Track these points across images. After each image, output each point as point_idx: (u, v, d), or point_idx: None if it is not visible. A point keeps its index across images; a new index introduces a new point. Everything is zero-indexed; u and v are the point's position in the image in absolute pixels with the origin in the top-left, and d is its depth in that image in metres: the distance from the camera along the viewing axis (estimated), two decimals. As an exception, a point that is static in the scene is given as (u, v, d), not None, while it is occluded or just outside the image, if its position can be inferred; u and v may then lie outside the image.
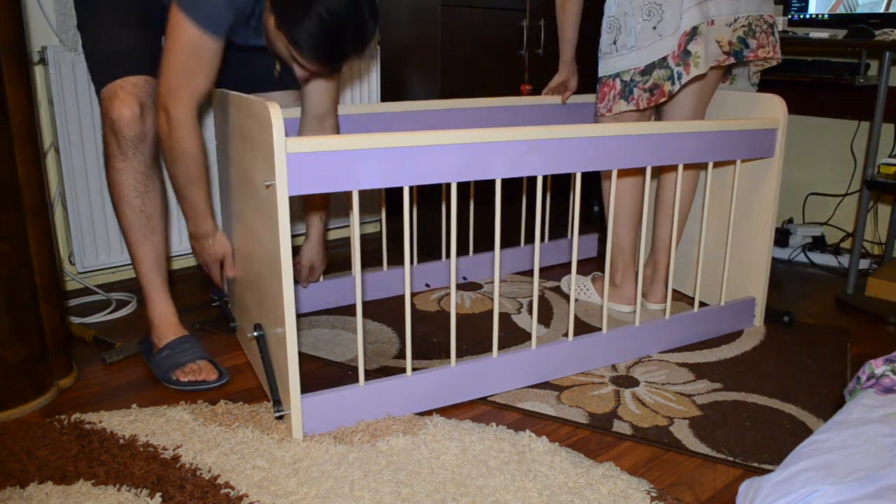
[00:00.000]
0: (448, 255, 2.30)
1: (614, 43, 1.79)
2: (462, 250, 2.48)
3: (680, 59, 1.72)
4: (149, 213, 1.63)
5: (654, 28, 1.72)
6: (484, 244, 2.59)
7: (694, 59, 1.72)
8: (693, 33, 1.70)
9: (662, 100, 1.76)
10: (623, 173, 1.93)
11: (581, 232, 2.64)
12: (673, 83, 1.74)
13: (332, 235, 2.76)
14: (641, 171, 1.95)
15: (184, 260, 2.38)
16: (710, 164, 1.77)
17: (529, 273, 2.39)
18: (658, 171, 2.07)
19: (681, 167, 1.72)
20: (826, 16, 2.39)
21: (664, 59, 1.73)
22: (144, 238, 1.64)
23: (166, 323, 1.69)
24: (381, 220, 2.80)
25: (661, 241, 2.03)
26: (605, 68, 1.83)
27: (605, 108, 1.85)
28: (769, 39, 1.82)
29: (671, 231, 1.95)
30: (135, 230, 1.63)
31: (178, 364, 1.63)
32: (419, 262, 2.26)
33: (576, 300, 2.16)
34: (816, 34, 2.25)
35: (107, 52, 1.58)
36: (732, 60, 1.78)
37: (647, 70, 1.75)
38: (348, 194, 2.58)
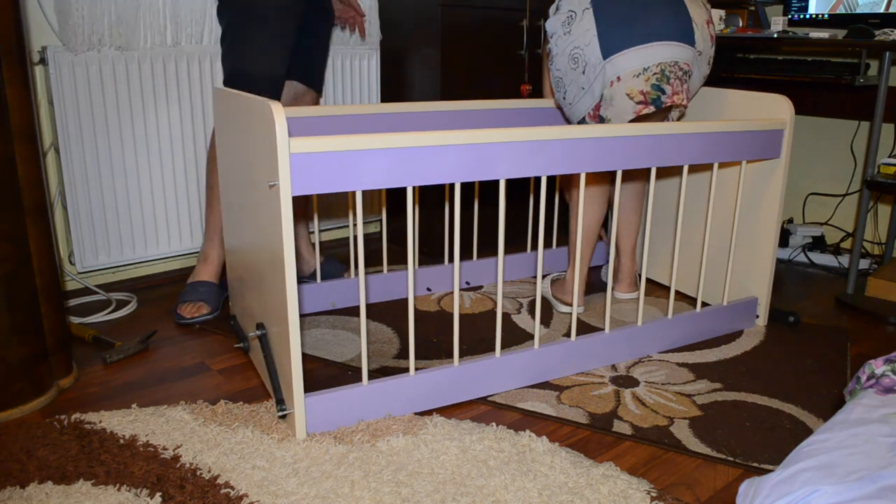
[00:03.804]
0: (451, 259, 2.29)
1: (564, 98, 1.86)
2: (466, 254, 2.47)
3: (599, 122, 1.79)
4: None
5: (582, 88, 1.80)
6: (489, 248, 2.58)
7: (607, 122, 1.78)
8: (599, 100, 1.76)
9: None
10: (590, 183, 1.93)
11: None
12: None
13: (334, 235, 2.76)
14: (607, 181, 1.94)
15: (190, 259, 2.38)
16: (716, 165, 1.77)
17: (534, 278, 2.39)
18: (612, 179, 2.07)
19: (686, 169, 1.72)
20: (826, 16, 2.39)
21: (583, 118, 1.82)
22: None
23: (206, 264, 1.99)
24: (380, 221, 2.80)
25: (623, 244, 2.14)
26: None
27: None
28: (683, 87, 1.77)
29: (631, 229, 2.13)
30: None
31: (183, 300, 1.96)
32: (420, 265, 2.24)
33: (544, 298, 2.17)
34: (816, 34, 2.25)
35: (263, 75, 1.85)
36: (652, 109, 1.73)
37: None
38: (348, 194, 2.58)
